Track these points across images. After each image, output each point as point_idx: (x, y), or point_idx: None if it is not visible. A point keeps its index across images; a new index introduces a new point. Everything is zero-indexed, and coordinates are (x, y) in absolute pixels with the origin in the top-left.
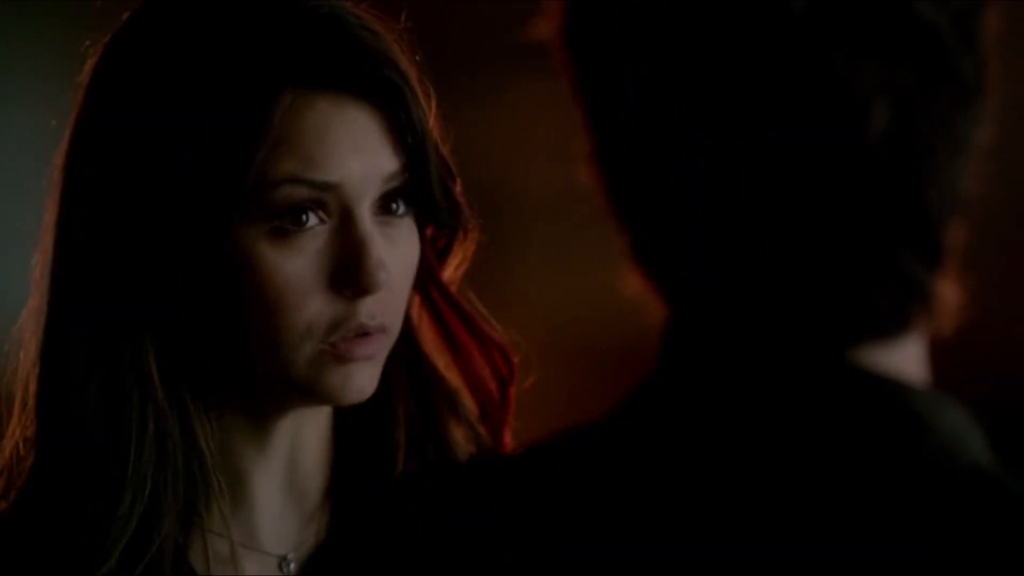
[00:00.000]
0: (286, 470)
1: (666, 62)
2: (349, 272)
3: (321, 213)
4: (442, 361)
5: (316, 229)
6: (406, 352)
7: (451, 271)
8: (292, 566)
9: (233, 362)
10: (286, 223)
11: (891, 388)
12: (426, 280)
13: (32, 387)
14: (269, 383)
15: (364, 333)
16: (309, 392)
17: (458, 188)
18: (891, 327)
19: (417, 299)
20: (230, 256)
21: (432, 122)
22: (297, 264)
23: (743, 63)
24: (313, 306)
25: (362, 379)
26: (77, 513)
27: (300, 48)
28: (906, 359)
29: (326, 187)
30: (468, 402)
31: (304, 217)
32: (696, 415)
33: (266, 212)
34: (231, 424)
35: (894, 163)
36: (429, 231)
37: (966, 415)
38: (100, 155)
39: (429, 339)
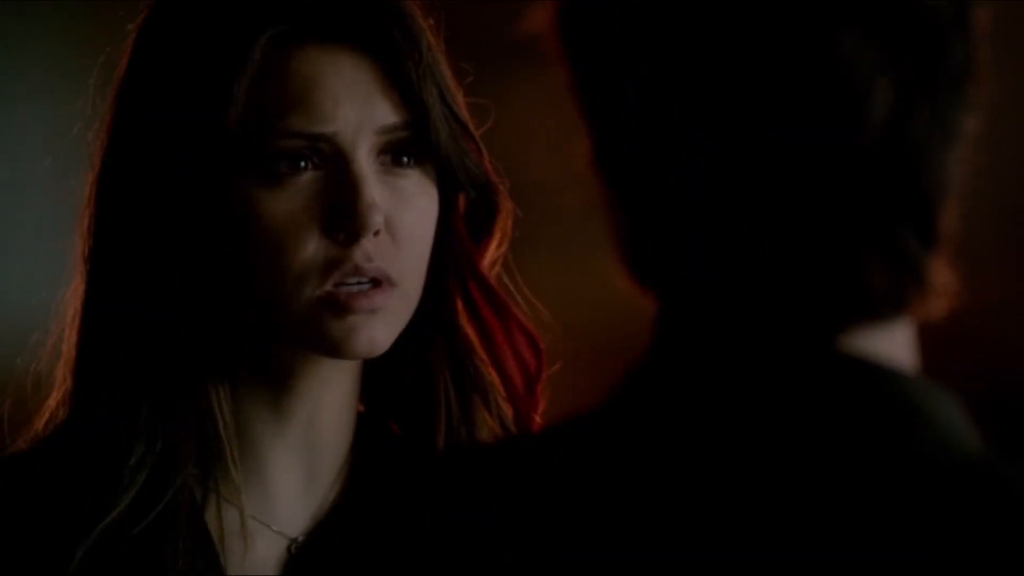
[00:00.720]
0: (303, 444)
1: (662, 56)
2: (342, 214)
3: (316, 159)
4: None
5: (311, 174)
6: (449, 336)
7: (492, 253)
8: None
9: (246, 322)
10: (280, 168)
11: (885, 378)
12: (461, 261)
13: (71, 350)
14: (279, 340)
15: (365, 281)
16: (313, 344)
17: (484, 156)
18: (885, 308)
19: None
20: (230, 207)
21: (448, 83)
22: (290, 206)
23: (741, 49)
24: (307, 249)
25: (370, 331)
26: (91, 462)
27: None
28: (897, 344)
29: (320, 138)
30: (502, 396)
31: (300, 163)
32: (689, 410)
33: (261, 161)
34: (249, 392)
35: (894, 145)
36: (461, 206)
37: (958, 404)
38: (120, 135)
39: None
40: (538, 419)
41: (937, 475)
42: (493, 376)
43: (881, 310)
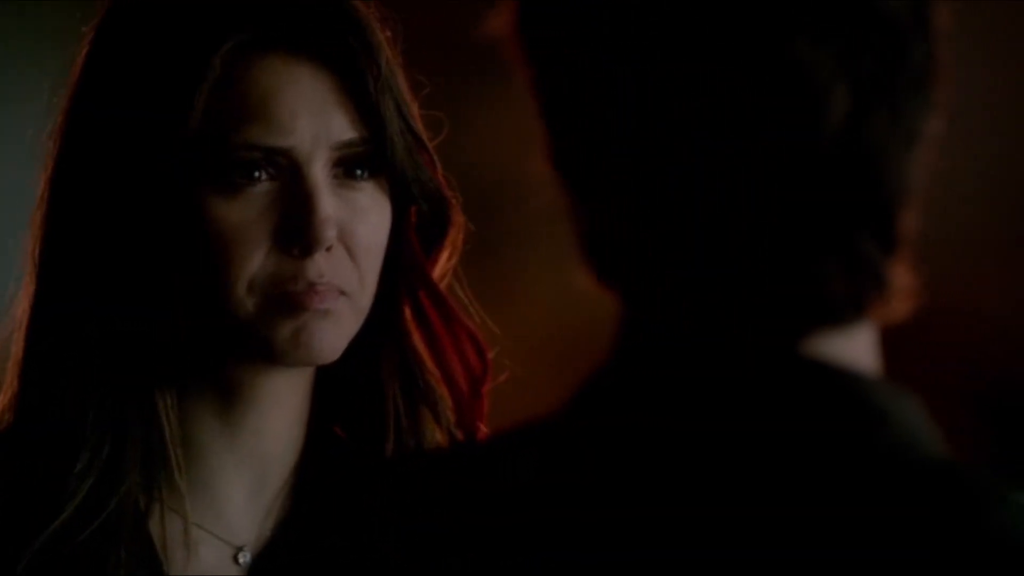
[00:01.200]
0: (251, 454)
1: (620, 61)
2: (296, 227)
3: (272, 170)
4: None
5: (266, 185)
6: (399, 346)
7: (442, 265)
8: (248, 558)
9: (198, 330)
10: (236, 177)
11: (845, 381)
12: (412, 272)
13: (18, 354)
14: (228, 346)
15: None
16: (263, 348)
17: (438, 170)
18: (846, 312)
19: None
20: (184, 214)
21: (405, 96)
22: (243, 215)
23: (695, 54)
24: (256, 261)
25: (320, 335)
26: (36, 467)
27: (249, 3)
28: (859, 348)
29: (277, 151)
30: (450, 408)
31: (255, 174)
32: (653, 413)
33: (217, 169)
34: (197, 400)
35: (851, 149)
36: (412, 219)
37: (920, 407)
38: (73, 135)
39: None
40: (482, 426)
41: (896, 477)
42: (443, 390)
43: (841, 314)
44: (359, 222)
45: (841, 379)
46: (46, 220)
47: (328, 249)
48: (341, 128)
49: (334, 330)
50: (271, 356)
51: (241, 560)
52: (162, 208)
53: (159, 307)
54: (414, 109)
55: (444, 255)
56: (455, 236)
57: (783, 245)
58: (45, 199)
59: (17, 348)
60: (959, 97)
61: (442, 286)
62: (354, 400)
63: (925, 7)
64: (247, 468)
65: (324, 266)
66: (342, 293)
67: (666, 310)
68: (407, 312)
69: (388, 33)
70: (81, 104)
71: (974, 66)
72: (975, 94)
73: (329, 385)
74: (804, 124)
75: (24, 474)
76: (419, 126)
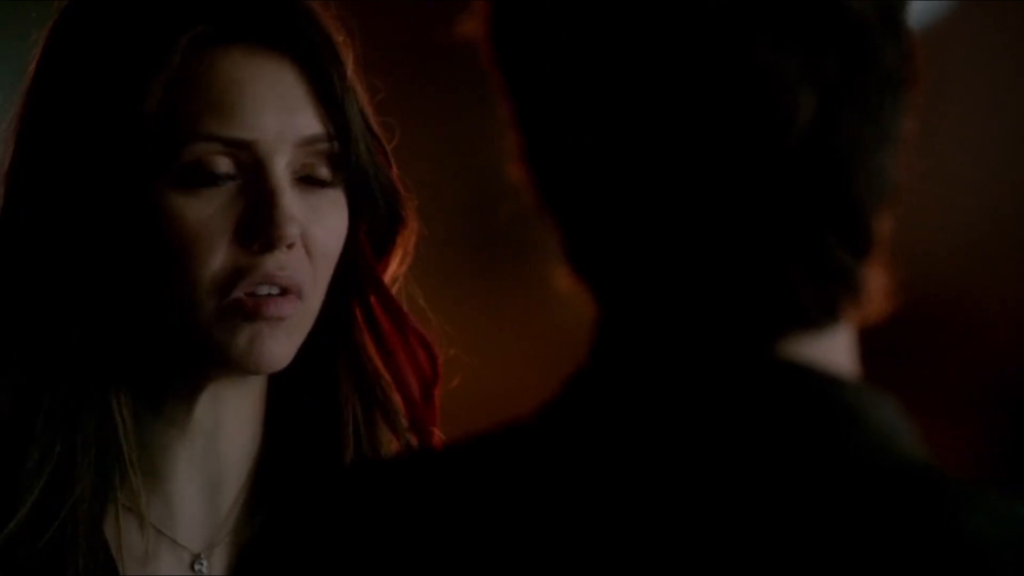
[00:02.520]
0: (203, 455)
1: (589, 61)
2: (257, 224)
3: (234, 168)
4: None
5: (227, 183)
6: (354, 355)
7: (394, 267)
8: (205, 566)
9: (152, 329)
10: (196, 174)
11: (818, 381)
12: (363, 274)
13: None
14: (182, 348)
15: (274, 291)
16: (217, 354)
17: (394, 170)
18: (818, 317)
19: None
20: (142, 211)
21: (362, 98)
22: (204, 213)
23: (662, 58)
24: (218, 259)
25: (273, 344)
26: None
27: None
28: (835, 350)
29: (239, 144)
30: (402, 412)
31: (216, 171)
32: (627, 416)
33: (177, 165)
34: (151, 401)
35: (821, 153)
36: (363, 226)
37: (897, 409)
38: (28, 131)
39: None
40: (436, 431)
41: (868, 480)
42: (396, 397)
43: (813, 318)
44: (318, 225)
45: (814, 381)
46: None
47: (289, 247)
48: (306, 123)
49: (287, 338)
50: (224, 362)
51: (197, 568)
52: (119, 205)
53: (115, 307)
54: (368, 107)
55: (395, 258)
56: (407, 240)
57: (753, 250)
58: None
59: None
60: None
61: (394, 291)
62: (309, 406)
63: (894, 8)
64: (201, 471)
65: (284, 261)
66: (298, 296)
67: (640, 313)
68: (358, 317)
69: (344, 38)
70: (36, 100)
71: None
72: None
73: (283, 389)
74: (769, 127)
75: None
76: (378, 128)
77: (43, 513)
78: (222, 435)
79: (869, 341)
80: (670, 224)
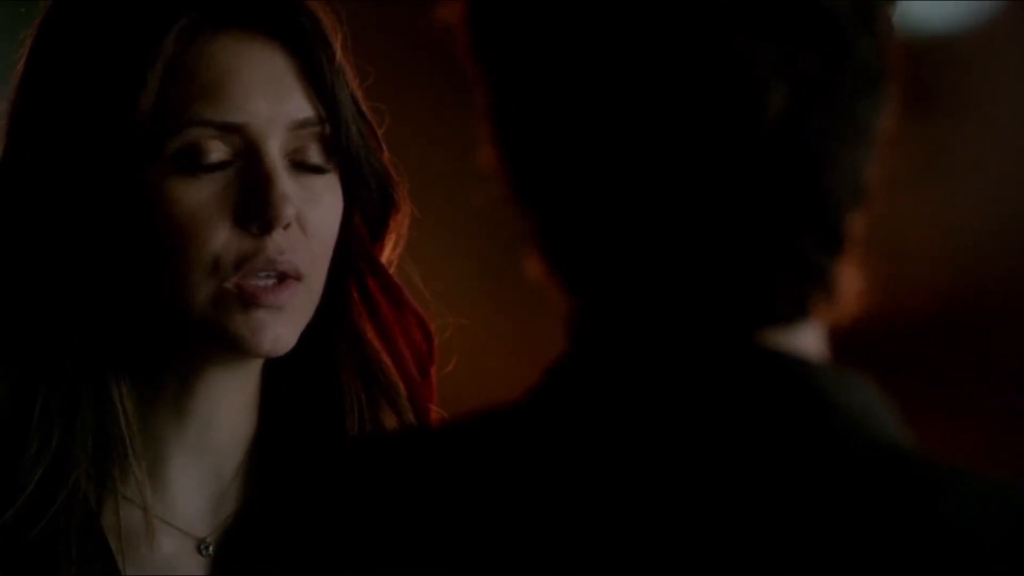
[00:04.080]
0: (202, 442)
1: (563, 51)
2: (254, 205)
3: (228, 153)
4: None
5: (222, 167)
6: (352, 336)
7: (388, 251)
8: (211, 550)
9: (151, 316)
10: (191, 160)
11: (795, 368)
12: (359, 257)
13: None
14: (181, 334)
15: (274, 277)
16: (216, 338)
17: (385, 154)
18: (789, 313)
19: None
20: (139, 199)
21: (352, 82)
22: (201, 197)
23: (636, 52)
24: (218, 240)
25: (275, 329)
26: None
27: None
28: (805, 346)
29: (231, 128)
30: (404, 394)
31: (210, 155)
32: (608, 409)
33: (172, 151)
34: (150, 388)
35: (792, 147)
36: (358, 211)
37: (875, 392)
38: (21, 123)
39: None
40: (433, 408)
41: (843, 463)
42: (397, 380)
43: (783, 315)
44: (313, 206)
45: (790, 366)
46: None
47: (286, 228)
48: (297, 107)
49: (288, 324)
50: (225, 346)
51: (204, 553)
52: (115, 193)
53: (113, 295)
54: (359, 92)
55: (389, 242)
56: (400, 223)
57: (723, 244)
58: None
59: None
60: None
61: (391, 272)
62: (309, 390)
63: (870, 4)
64: (200, 457)
65: (283, 244)
66: (298, 278)
67: (616, 305)
68: (356, 300)
69: (332, 21)
70: (27, 96)
71: None
72: None
73: (280, 374)
74: (739, 120)
75: None
76: (368, 112)
77: (40, 502)
78: (219, 421)
79: (920, 337)
80: (642, 215)
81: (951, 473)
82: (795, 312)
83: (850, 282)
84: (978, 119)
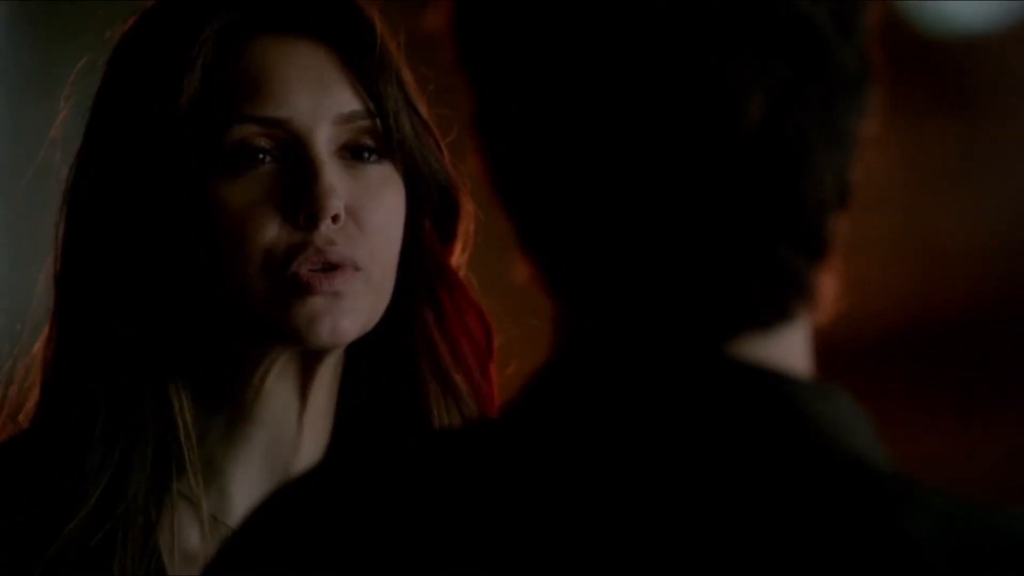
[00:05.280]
0: (266, 446)
1: (544, 61)
2: (300, 199)
3: (274, 148)
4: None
5: (269, 165)
6: (429, 346)
7: (456, 257)
8: None
9: (210, 318)
10: (239, 158)
11: (766, 378)
12: (430, 264)
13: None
14: (242, 333)
15: (328, 266)
16: (275, 331)
17: (446, 156)
18: (768, 318)
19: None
20: (191, 201)
21: (408, 81)
22: (249, 195)
23: (616, 62)
24: (269, 235)
25: (333, 318)
26: (48, 471)
27: None
28: (788, 349)
29: (275, 123)
30: (470, 395)
31: (258, 155)
32: (579, 414)
33: (219, 151)
34: (208, 398)
35: (770, 155)
36: (427, 220)
37: (852, 406)
38: (90, 140)
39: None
40: (497, 404)
41: (810, 474)
42: (466, 384)
43: (764, 320)
44: (370, 199)
45: (764, 379)
46: (66, 224)
47: (336, 220)
48: (342, 100)
49: (347, 313)
50: (284, 339)
51: None
52: (170, 198)
53: (174, 301)
54: (421, 99)
55: (458, 246)
56: (467, 226)
57: (703, 249)
58: (65, 204)
59: (39, 351)
60: None
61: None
62: (390, 396)
63: (849, 10)
64: (260, 466)
65: (334, 236)
66: (355, 268)
67: (596, 310)
68: (428, 310)
69: (393, 30)
70: (97, 110)
71: None
72: None
73: (359, 383)
74: (718, 130)
75: (36, 477)
76: (426, 113)
77: (101, 513)
78: (287, 425)
79: (956, 336)
80: (621, 220)
81: (917, 489)
82: (773, 316)
83: (829, 286)
84: (1014, 119)
